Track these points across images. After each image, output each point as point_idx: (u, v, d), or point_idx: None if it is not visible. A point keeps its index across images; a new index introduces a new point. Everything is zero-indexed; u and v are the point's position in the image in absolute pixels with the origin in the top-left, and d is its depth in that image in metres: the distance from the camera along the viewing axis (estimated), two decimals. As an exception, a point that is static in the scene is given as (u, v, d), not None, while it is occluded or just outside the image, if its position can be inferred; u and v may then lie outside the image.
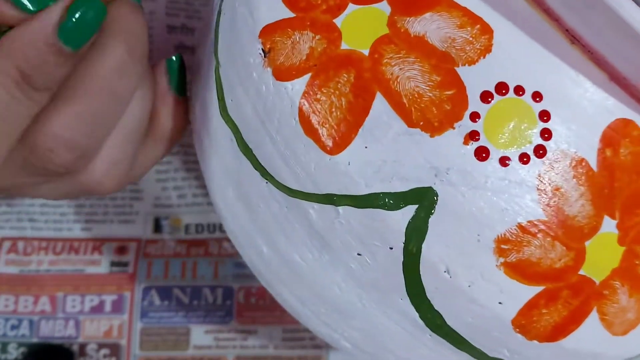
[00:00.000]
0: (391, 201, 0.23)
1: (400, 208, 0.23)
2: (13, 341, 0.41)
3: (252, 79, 0.25)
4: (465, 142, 0.23)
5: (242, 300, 0.42)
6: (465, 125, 0.23)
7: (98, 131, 0.27)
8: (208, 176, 0.30)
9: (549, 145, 0.23)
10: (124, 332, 0.42)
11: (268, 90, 0.25)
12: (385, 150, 0.23)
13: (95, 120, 0.27)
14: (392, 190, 0.23)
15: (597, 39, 0.23)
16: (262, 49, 0.25)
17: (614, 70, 0.23)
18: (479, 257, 0.23)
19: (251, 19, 0.25)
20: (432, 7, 0.23)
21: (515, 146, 0.23)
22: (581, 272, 0.24)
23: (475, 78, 0.23)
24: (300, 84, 0.24)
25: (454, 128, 0.23)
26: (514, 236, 0.23)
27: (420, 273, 0.24)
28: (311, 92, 0.24)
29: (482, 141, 0.23)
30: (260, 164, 0.26)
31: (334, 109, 0.24)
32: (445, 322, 0.25)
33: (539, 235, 0.23)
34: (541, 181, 0.23)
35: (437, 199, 0.23)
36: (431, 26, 0.23)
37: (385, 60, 0.23)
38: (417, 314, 0.25)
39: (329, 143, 0.24)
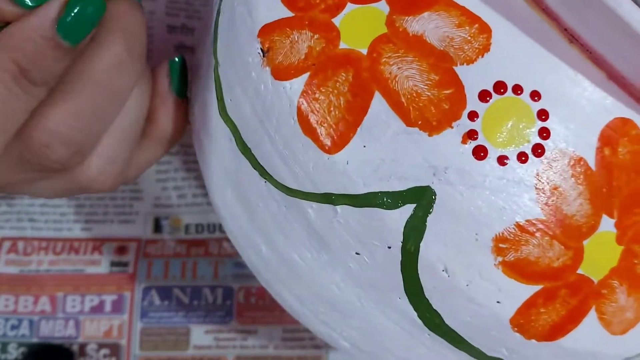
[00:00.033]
0: (389, 200, 0.23)
1: (398, 207, 0.23)
2: (13, 341, 0.41)
3: (251, 78, 0.25)
4: (464, 141, 0.23)
5: (242, 300, 0.42)
6: (463, 124, 0.23)
7: (94, 128, 0.27)
8: (207, 176, 0.30)
9: (547, 144, 0.23)
10: (124, 332, 0.42)
11: (267, 89, 0.25)
12: (384, 149, 0.23)
13: (91, 117, 0.27)
14: (391, 190, 0.23)
15: (595, 38, 0.23)
16: (261, 49, 0.25)
17: (612, 69, 0.23)
18: (477, 256, 0.23)
19: (250, 19, 0.25)
20: (431, 6, 0.24)
21: (513, 145, 0.23)
22: (579, 271, 0.24)
23: (474, 77, 0.23)
24: (298, 83, 0.24)
25: (452, 127, 0.23)
26: (512, 235, 0.23)
27: (419, 272, 0.24)
28: (310, 92, 0.24)
29: (481, 140, 0.23)
30: (259, 163, 0.26)
31: (332, 108, 0.24)
32: (444, 321, 0.25)
33: (537, 234, 0.23)
34: (539, 180, 0.23)
35: (435, 198, 0.23)
36: (429, 25, 0.23)
37: (383, 60, 0.23)
38: (415, 313, 0.25)
39: (328, 142, 0.24)
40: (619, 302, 0.24)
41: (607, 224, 0.24)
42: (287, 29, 0.25)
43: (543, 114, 0.23)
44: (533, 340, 0.24)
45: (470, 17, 0.23)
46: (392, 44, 0.23)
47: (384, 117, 0.23)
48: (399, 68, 0.23)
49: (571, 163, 0.23)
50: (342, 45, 0.24)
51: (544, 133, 0.23)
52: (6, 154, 0.27)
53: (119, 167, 0.30)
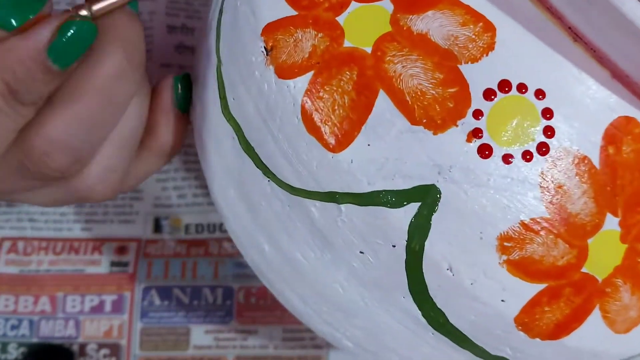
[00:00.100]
0: (394, 199, 0.23)
1: (402, 206, 0.23)
2: (13, 341, 0.41)
3: (254, 77, 0.25)
4: (468, 140, 0.23)
5: (242, 300, 0.42)
6: (468, 122, 0.23)
7: (94, 136, 0.28)
8: (209, 175, 0.30)
9: (552, 142, 0.23)
10: (124, 332, 0.42)
11: (270, 88, 0.25)
12: (388, 148, 0.23)
13: (91, 126, 0.27)
14: (395, 188, 0.23)
15: (599, 37, 0.23)
16: (264, 47, 0.25)
17: (616, 67, 0.23)
18: (481, 255, 0.23)
19: (253, 18, 0.25)
20: (435, 5, 0.24)
21: (518, 144, 0.23)
22: (584, 269, 0.24)
23: (478, 76, 0.23)
24: (302, 82, 0.24)
25: (457, 126, 0.23)
26: (516, 234, 0.23)
27: (423, 271, 0.24)
28: (314, 90, 0.24)
29: (485, 139, 0.23)
30: (262, 162, 0.26)
31: (336, 107, 0.24)
32: (448, 320, 0.25)
33: (541, 232, 0.23)
34: (544, 179, 0.23)
35: (440, 197, 0.23)
36: (434, 24, 0.23)
37: (388, 58, 0.23)
38: (419, 312, 0.25)
39: (332, 141, 0.24)
40: (623, 300, 0.24)
41: (611, 223, 0.24)
42: (291, 28, 0.25)
43: (547, 113, 0.23)
44: (537, 339, 0.24)
45: (474, 16, 0.23)
46: (397, 42, 0.23)
47: (389, 116, 0.23)
48: (403, 66, 0.23)
49: (575, 161, 0.23)
50: (346, 43, 0.24)
51: (549, 131, 0.23)
52: (5, 162, 0.27)
53: (118, 175, 0.30)
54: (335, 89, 0.24)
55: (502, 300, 0.24)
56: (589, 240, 0.23)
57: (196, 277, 0.42)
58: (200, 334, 0.42)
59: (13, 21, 0.25)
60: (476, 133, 0.23)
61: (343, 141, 0.23)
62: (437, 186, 0.23)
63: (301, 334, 0.42)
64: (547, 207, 0.23)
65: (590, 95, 0.23)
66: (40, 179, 0.28)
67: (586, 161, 0.23)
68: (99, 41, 0.26)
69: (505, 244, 0.23)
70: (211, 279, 0.42)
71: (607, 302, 0.24)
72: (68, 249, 0.43)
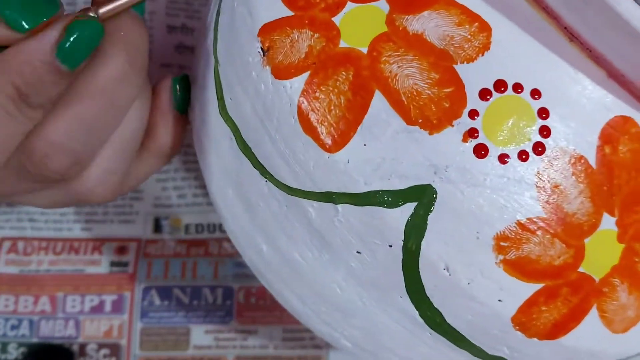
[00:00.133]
0: (390, 199, 0.23)
1: (399, 206, 0.23)
2: (13, 341, 0.41)
3: (251, 77, 0.25)
4: (464, 140, 0.23)
5: (242, 300, 0.42)
6: (464, 122, 0.23)
7: (94, 139, 0.28)
8: (207, 176, 0.30)
9: (548, 142, 0.23)
10: (124, 332, 0.42)
11: (267, 88, 0.25)
12: (384, 148, 0.23)
13: (92, 128, 0.27)
14: (391, 188, 0.23)
15: (595, 37, 0.23)
16: (261, 48, 0.25)
17: (612, 67, 0.23)
18: (478, 255, 0.23)
19: (250, 18, 0.25)
20: (431, 5, 0.24)
21: (514, 144, 0.23)
22: (581, 269, 0.24)
23: (474, 75, 0.23)
24: (299, 82, 0.24)
25: (452, 126, 0.23)
26: (513, 233, 0.23)
27: (420, 271, 0.24)
28: (310, 91, 0.24)
29: (481, 139, 0.23)
30: (259, 162, 0.26)
31: (332, 107, 0.24)
32: (445, 320, 0.25)
33: (538, 232, 0.23)
34: (540, 178, 0.23)
35: (436, 197, 0.23)
36: (429, 24, 0.23)
37: (383, 58, 0.23)
38: (416, 312, 0.25)
39: (328, 141, 0.24)
40: (620, 300, 0.24)
41: (608, 222, 0.24)
42: (287, 28, 0.25)
43: (543, 113, 0.23)
44: (534, 339, 0.24)
45: (470, 16, 0.23)
46: (392, 42, 0.23)
47: (385, 116, 0.23)
48: (399, 67, 0.23)
49: (572, 161, 0.23)
50: (342, 44, 0.24)
51: (545, 131, 0.23)
52: (6, 164, 0.27)
53: (118, 178, 0.30)
54: (331, 89, 0.24)
55: (499, 300, 0.24)
56: (586, 240, 0.23)
57: (196, 277, 0.42)
58: (200, 334, 0.42)
59: (25, 24, 0.25)
60: (472, 133, 0.23)
61: (339, 141, 0.23)
62: (433, 186, 0.23)
63: (301, 334, 0.42)
64: (543, 207, 0.23)
65: (586, 95, 0.23)
66: (40, 181, 0.28)
67: (582, 161, 0.23)
68: (103, 44, 0.26)
69: (502, 243, 0.23)
70: (211, 279, 0.42)
71: (604, 302, 0.24)
72: (68, 249, 0.43)
